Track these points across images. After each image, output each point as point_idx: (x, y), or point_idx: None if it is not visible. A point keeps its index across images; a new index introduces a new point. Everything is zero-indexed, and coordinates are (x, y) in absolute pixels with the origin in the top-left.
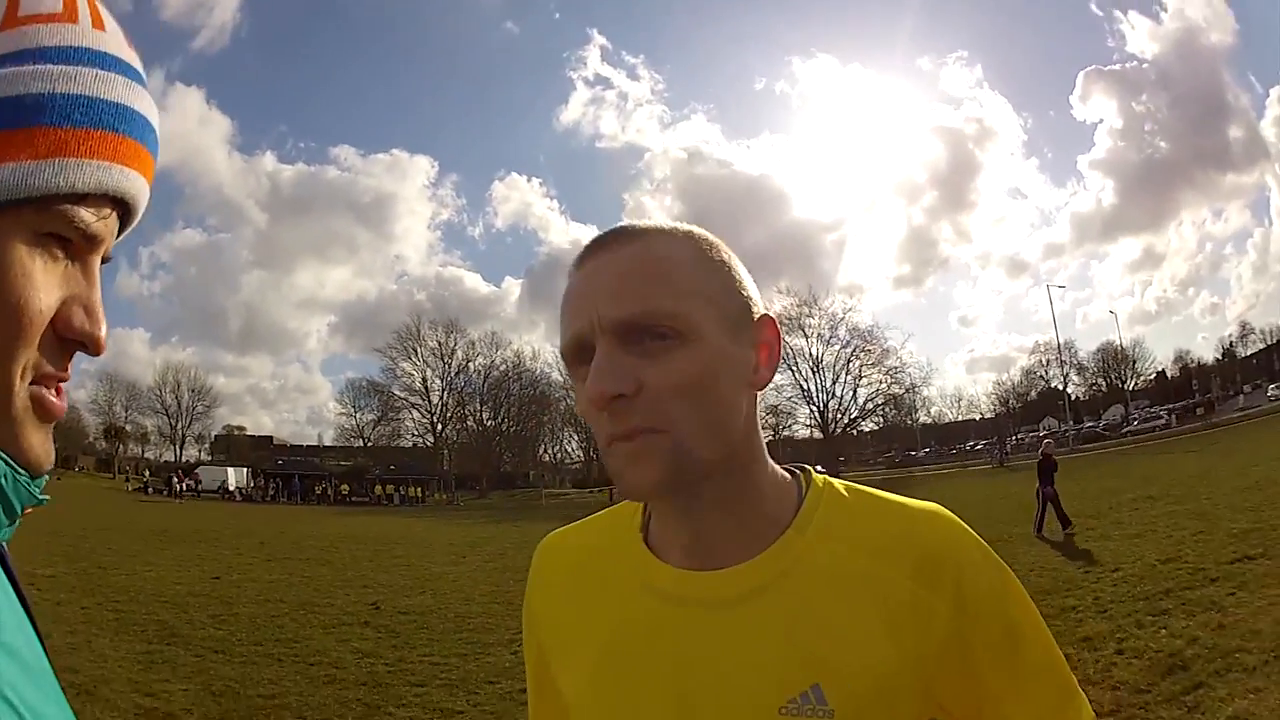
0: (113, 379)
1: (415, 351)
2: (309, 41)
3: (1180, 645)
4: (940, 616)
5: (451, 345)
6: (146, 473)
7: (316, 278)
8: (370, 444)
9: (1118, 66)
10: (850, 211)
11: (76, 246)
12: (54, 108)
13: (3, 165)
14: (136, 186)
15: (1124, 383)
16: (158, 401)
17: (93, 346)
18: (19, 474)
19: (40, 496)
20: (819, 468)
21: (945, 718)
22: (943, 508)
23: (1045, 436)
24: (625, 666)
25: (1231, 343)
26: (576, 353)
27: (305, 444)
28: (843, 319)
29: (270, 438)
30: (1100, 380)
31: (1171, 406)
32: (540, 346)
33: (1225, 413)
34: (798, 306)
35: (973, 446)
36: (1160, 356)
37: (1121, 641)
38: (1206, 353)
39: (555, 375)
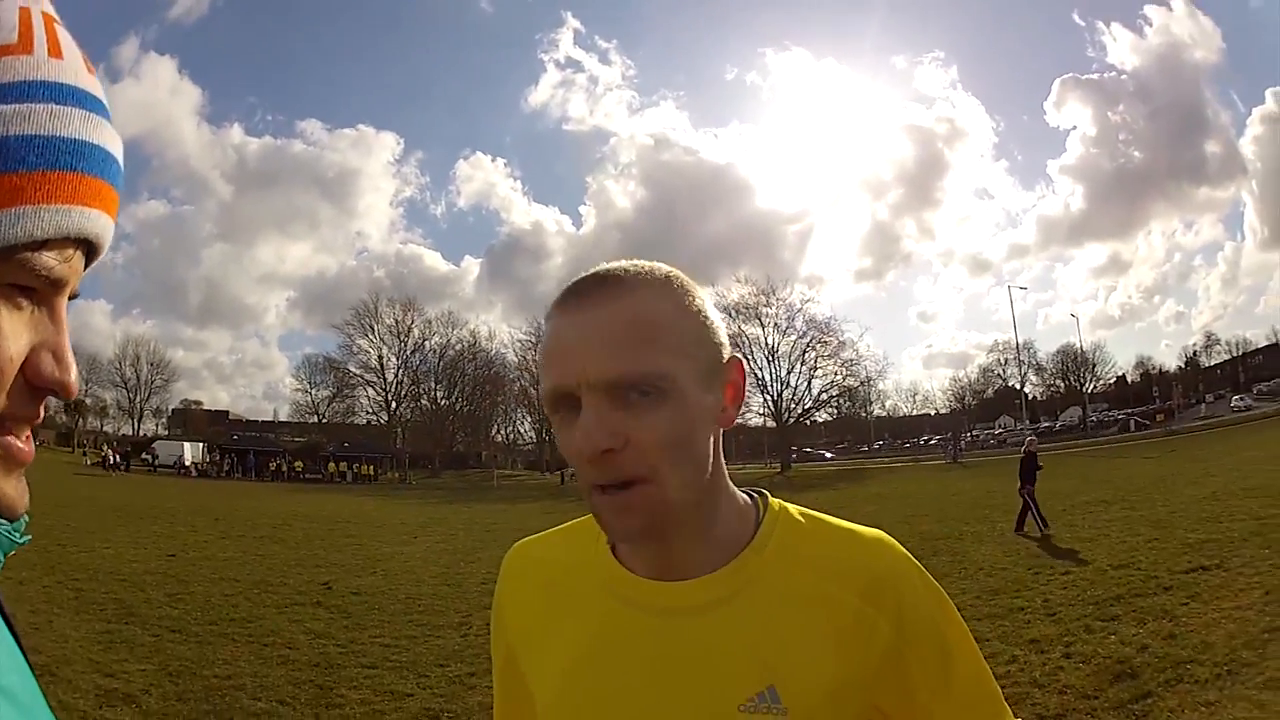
0: (74, 351)
1: (372, 329)
2: (284, 13)
3: (1130, 653)
4: (882, 633)
5: (408, 323)
6: (106, 447)
7: (277, 252)
8: (325, 420)
9: (1096, 76)
10: (815, 204)
11: (41, 292)
12: (7, 152)
13: None
14: (99, 225)
15: (1083, 385)
16: (117, 375)
17: (63, 393)
18: None
19: (20, 540)
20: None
21: (881, 718)
22: (888, 535)
23: (1029, 433)
24: (597, 670)
25: (1195, 352)
26: (560, 400)
27: (261, 419)
28: (800, 309)
29: (227, 413)
30: (1059, 381)
31: (1130, 411)
32: (496, 327)
33: (1185, 421)
34: (755, 295)
35: (927, 441)
36: (1122, 361)
37: (1069, 645)
38: (1169, 360)
39: (510, 356)
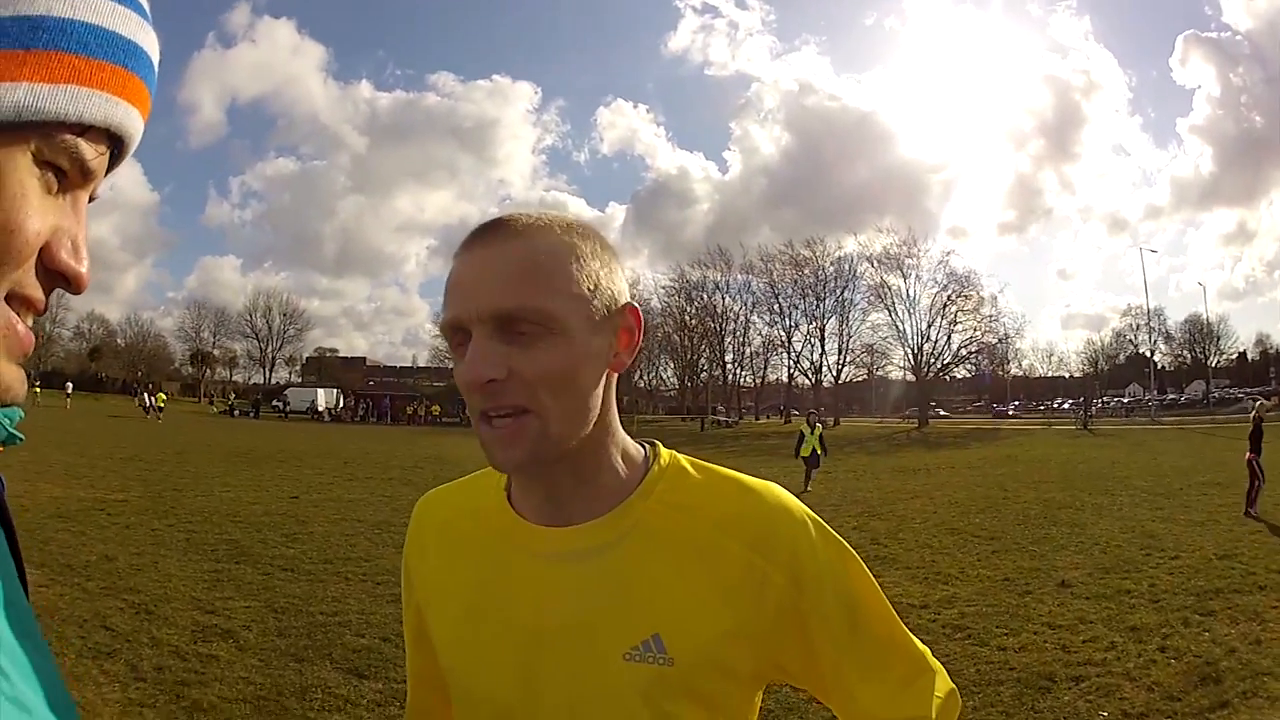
0: (200, 306)
1: None
2: None
3: (1219, 654)
4: (775, 585)
5: None
6: (233, 395)
7: (416, 202)
8: None
9: (1214, 35)
10: (957, 153)
11: (70, 180)
12: (74, 34)
13: (19, 84)
14: (136, 127)
15: (1207, 358)
16: (248, 326)
17: (75, 283)
18: None
19: (13, 432)
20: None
21: (787, 679)
22: (780, 487)
23: (1256, 397)
24: (488, 611)
25: None
26: (453, 333)
27: (399, 365)
28: (942, 262)
29: (363, 359)
30: (1186, 352)
31: (1249, 390)
32: (642, 272)
33: None
34: (898, 246)
35: (1059, 405)
36: (1244, 337)
37: (1166, 638)
38: None
39: (654, 303)
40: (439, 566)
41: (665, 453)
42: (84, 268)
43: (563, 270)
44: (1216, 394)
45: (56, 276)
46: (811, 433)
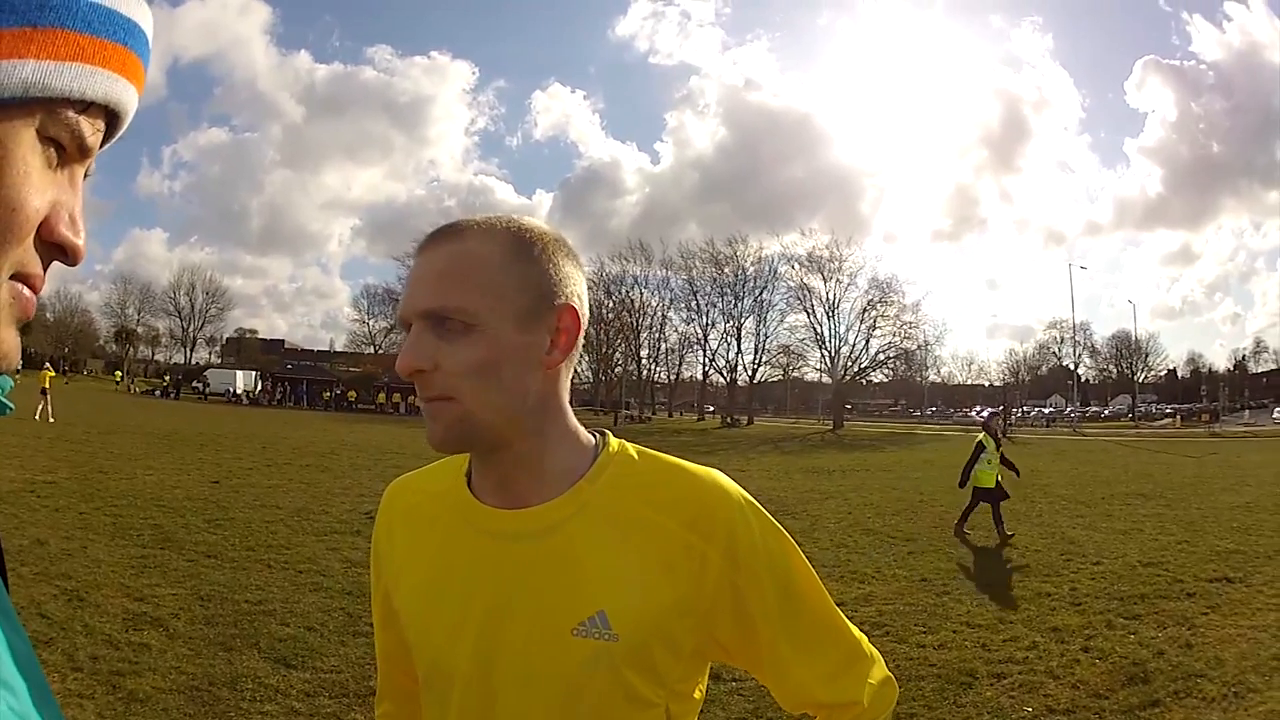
0: (127, 281)
1: None
2: None
3: (1146, 656)
4: (713, 564)
5: None
6: (166, 378)
7: (344, 179)
8: (381, 351)
9: (1177, 62)
10: (896, 158)
11: (69, 155)
12: (78, 13)
13: (26, 61)
14: (133, 104)
15: (1134, 373)
16: (171, 304)
17: (72, 255)
18: None
19: (4, 401)
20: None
21: (726, 657)
22: (720, 473)
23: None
24: (447, 588)
25: (1245, 357)
26: (402, 328)
27: (317, 349)
28: (864, 267)
29: (282, 341)
30: (1112, 367)
31: (1177, 407)
32: None
33: (1230, 424)
34: (822, 249)
35: (978, 413)
36: (1174, 355)
37: (1090, 639)
38: (1220, 361)
39: None
40: (404, 547)
41: (615, 442)
42: (81, 240)
43: (485, 271)
44: (1142, 408)
45: (54, 249)
46: (998, 447)
